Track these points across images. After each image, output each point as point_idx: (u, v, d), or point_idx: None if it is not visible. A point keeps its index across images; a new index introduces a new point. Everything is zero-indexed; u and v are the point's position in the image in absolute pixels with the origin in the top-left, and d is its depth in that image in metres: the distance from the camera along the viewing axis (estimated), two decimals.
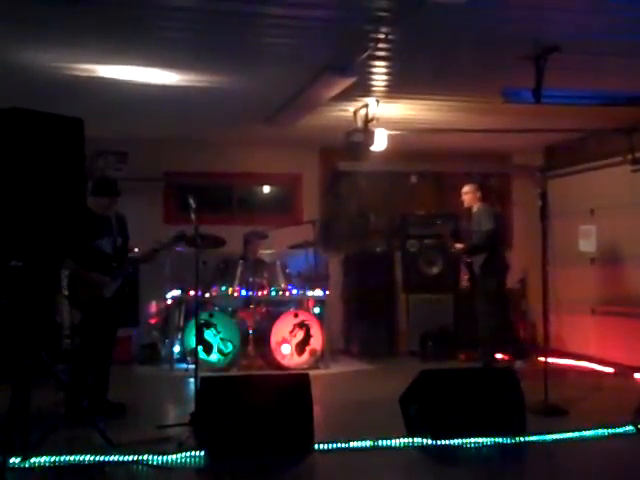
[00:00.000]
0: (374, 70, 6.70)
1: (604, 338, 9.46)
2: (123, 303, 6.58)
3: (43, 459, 4.90)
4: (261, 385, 5.70)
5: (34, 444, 4.85)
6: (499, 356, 8.86)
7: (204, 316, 8.62)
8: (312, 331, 8.95)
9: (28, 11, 5.25)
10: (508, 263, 8.87)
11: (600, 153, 9.62)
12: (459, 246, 8.79)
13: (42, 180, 4.73)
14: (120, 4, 5.12)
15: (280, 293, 9.15)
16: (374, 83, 7.16)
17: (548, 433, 5.73)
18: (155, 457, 5.06)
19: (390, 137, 8.22)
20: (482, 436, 5.56)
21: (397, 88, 7.37)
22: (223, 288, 9.08)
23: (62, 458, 4.95)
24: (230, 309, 9.26)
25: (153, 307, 9.93)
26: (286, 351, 8.88)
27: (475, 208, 8.80)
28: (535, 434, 5.69)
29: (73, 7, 5.12)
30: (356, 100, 7.76)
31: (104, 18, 5.40)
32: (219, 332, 8.73)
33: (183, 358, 8.85)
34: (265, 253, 9.63)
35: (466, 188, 8.90)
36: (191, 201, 6.18)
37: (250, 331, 9.08)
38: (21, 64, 6.41)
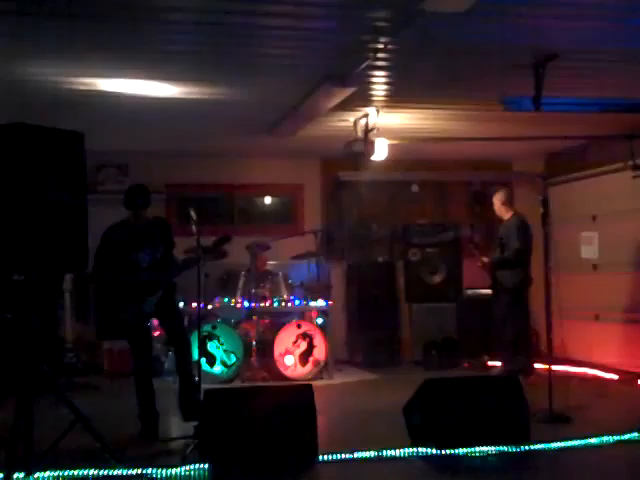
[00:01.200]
0: (374, 80, 6.71)
1: (608, 345, 9.44)
2: (169, 314, 6.44)
3: (47, 474, 4.88)
4: (264, 397, 5.69)
5: (38, 459, 4.84)
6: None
7: (207, 328, 8.61)
8: (315, 341, 8.94)
9: (27, 26, 5.27)
10: (532, 277, 8.77)
11: (601, 159, 9.63)
12: (485, 260, 8.70)
13: (44, 194, 4.74)
14: (120, 18, 5.14)
15: (283, 304, 9.14)
16: (374, 93, 7.18)
17: (553, 441, 5.70)
18: (159, 470, 5.05)
19: (390, 146, 8.24)
20: (486, 445, 5.54)
21: (397, 97, 7.39)
22: (226, 300, 9.08)
23: (66, 473, 4.94)
24: (233, 321, 9.25)
25: (155, 319, 9.90)
26: (289, 362, 8.86)
27: (506, 218, 8.69)
28: (540, 442, 5.66)
29: (73, 21, 5.16)
30: (356, 110, 7.77)
31: (104, 32, 5.42)
32: (222, 344, 8.72)
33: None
34: (267, 264, 9.62)
35: (493, 199, 8.84)
36: (192, 213, 6.17)
37: (253, 342, 9.06)
38: (21, 79, 6.44)
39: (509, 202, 8.79)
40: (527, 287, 8.64)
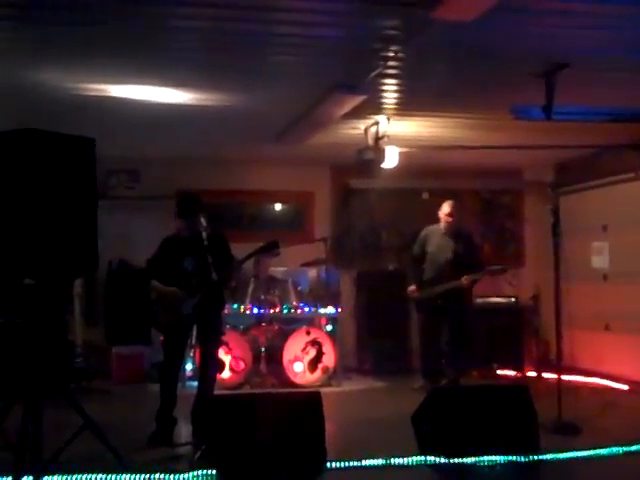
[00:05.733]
0: (384, 88, 6.72)
1: (618, 355, 9.39)
2: (209, 318, 6.44)
3: (55, 478, 4.91)
4: (273, 403, 5.69)
5: (46, 463, 4.85)
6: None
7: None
8: (324, 349, 8.94)
9: (40, 32, 5.31)
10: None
11: (612, 169, 9.60)
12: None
13: (54, 199, 4.76)
14: (132, 24, 5.17)
15: (292, 311, 9.15)
16: (384, 101, 7.18)
17: (562, 451, 5.69)
18: (167, 476, 5.05)
19: (401, 154, 8.23)
20: (495, 454, 5.53)
21: (407, 105, 7.39)
22: (235, 306, 9.09)
23: (74, 477, 4.96)
24: (242, 327, 9.26)
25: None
26: (298, 369, 8.86)
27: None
28: (549, 452, 5.65)
29: (85, 28, 5.20)
30: (367, 118, 7.77)
31: (116, 38, 5.45)
32: (231, 350, 8.72)
33: (195, 376, 8.82)
34: (277, 270, 9.63)
35: (453, 210, 8.44)
36: (202, 219, 6.20)
37: (262, 349, 9.06)
38: (34, 84, 6.47)
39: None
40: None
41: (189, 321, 6.41)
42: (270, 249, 6.60)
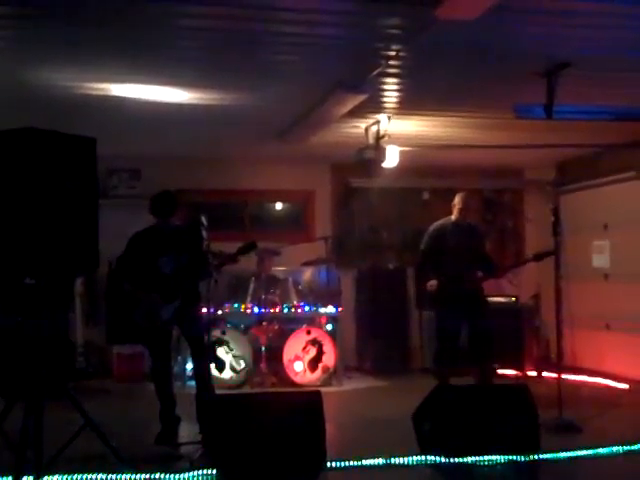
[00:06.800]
0: (386, 87, 6.71)
1: (618, 354, 9.40)
2: (188, 322, 6.38)
3: (56, 477, 4.91)
4: (273, 403, 5.69)
5: (47, 462, 4.85)
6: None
7: (216, 333, 8.61)
8: (325, 348, 8.94)
9: (43, 31, 5.30)
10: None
11: (613, 168, 9.60)
12: None
13: (55, 199, 4.76)
14: (132, 23, 5.17)
15: (292, 310, 9.15)
16: (386, 100, 7.18)
17: (562, 451, 5.68)
18: (167, 475, 5.05)
19: (402, 153, 8.22)
20: (496, 454, 5.52)
21: (409, 105, 7.39)
22: (235, 305, 9.09)
23: (74, 476, 4.96)
24: (242, 326, 9.26)
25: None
26: (299, 368, 8.86)
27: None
28: (549, 452, 5.65)
29: (87, 27, 5.20)
30: (368, 117, 7.77)
31: (116, 37, 5.44)
32: (231, 349, 8.72)
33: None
34: (277, 270, 9.64)
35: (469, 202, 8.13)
36: (203, 219, 6.19)
37: (263, 348, 9.06)
38: (34, 83, 6.46)
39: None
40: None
41: (168, 325, 6.36)
42: (247, 250, 6.54)
